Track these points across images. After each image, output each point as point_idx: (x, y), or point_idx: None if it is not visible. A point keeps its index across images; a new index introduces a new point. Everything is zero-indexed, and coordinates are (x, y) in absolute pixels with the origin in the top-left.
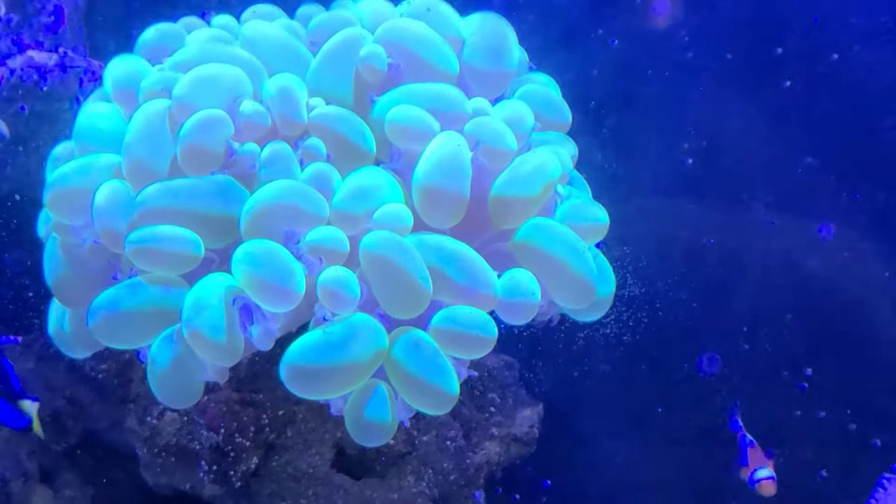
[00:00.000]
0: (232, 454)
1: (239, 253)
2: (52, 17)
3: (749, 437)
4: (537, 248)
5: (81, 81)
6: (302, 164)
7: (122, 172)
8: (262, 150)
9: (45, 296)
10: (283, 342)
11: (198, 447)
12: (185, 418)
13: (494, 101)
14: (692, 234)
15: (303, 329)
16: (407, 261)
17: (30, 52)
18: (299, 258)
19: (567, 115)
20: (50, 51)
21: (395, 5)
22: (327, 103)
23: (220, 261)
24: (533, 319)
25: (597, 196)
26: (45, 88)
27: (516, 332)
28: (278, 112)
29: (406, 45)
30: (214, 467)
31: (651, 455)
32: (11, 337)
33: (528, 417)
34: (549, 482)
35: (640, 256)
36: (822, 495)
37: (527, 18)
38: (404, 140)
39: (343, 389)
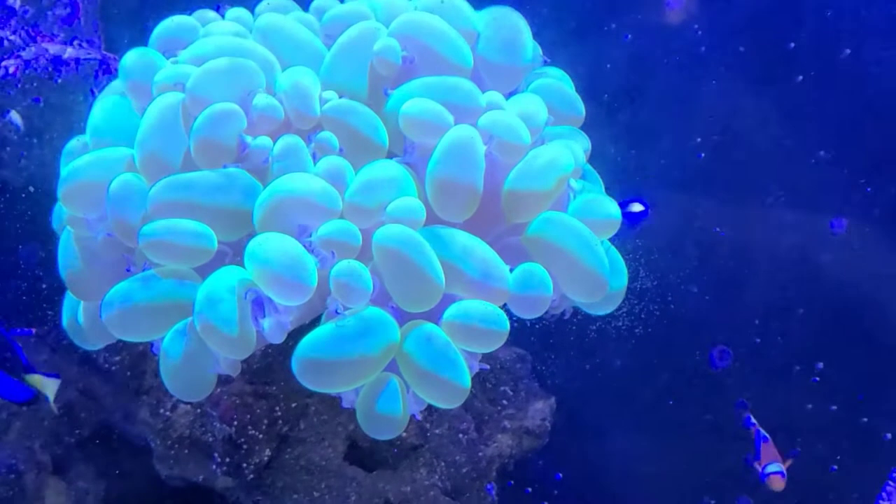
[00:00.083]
0: (245, 446)
1: (251, 246)
2: (68, 10)
3: (763, 432)
4: (549, 242)
5: (96, 74)
6: (315, 157)
7: (136, 166)
8: (274, 143)
9: (58, 288)
10: (296, 335)
11: (211, 439)
12: (199, 410)
13: (508, 95)
14: (704, 227)
15: (316, 322)
16: (420, 255)
17: (45, 45)
18: (312, 252)
19: (580, 109)
20: (65, 43)
21: None
22: (341, 97)
23: (233, 253)
24: (545, 313)
25: (609, 189)
26: (59, 80)
27: (528, 324)
28: (291, 105)
29: (420, 39)
30: (227, 459)
31: (662, 448)
32: (25, 329)
33: (540, 410)
34: (560, 475)
35: (652, 249)
36: (833, 489)
37: (540, 12)
38: (418, 133)
39: (355, 383)
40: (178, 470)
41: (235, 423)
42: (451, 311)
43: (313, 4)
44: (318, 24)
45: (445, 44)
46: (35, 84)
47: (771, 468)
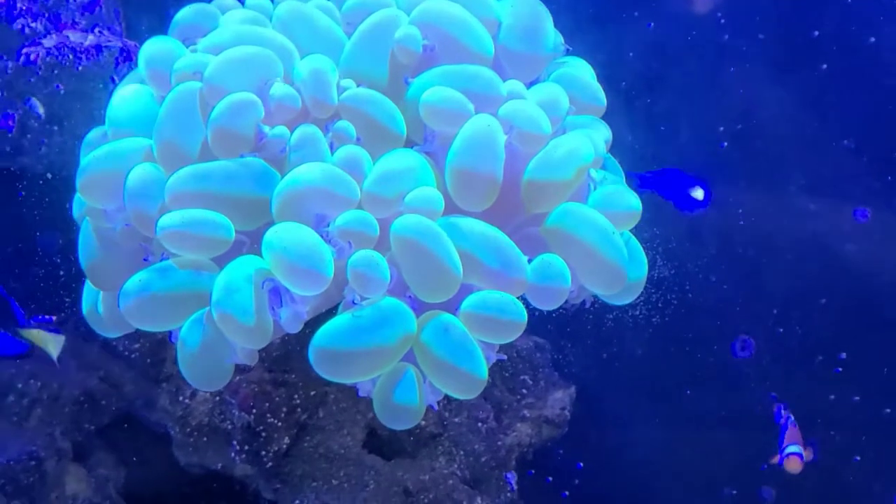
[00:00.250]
0: (263, 434)
1: (268, 236)
2: None
3: (792, 417)
4: (568, 233)
5: (117, 61)
6: (332, 146)
7: (154, 155)
8: (292, 133)
9: (76, 275)
10: (314, 324)
11: (229, 427)
12: (217, 398)
13: (529, 84)
14: (724, 216)
15: (334, 311)
16: (438, 245)
17: (65, 32)
18: (329, 241)
19: (602, 98)
20: (86, 31)
21: None
22: (361, 85)
23: (250, 243)
24: (565, 303)
25: (628, 177)
26: (80, 68)
27: (547, 313)
28: (309, 94)
29: (441, 27)
30: (246, 447)
31: (683, 438)
32: (45, 316)
33: (559, 399)
34: (581, 464)
35: (671, 238)
36: (855, 480)
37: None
38: (439, 122)
39: (371, 373)
40: (198, 457)
41: (254, 411)
42: (468, 302)
43: None
44: (338, 11)
45: (466, 32)
46: (56, 71)
47: (791, 448)
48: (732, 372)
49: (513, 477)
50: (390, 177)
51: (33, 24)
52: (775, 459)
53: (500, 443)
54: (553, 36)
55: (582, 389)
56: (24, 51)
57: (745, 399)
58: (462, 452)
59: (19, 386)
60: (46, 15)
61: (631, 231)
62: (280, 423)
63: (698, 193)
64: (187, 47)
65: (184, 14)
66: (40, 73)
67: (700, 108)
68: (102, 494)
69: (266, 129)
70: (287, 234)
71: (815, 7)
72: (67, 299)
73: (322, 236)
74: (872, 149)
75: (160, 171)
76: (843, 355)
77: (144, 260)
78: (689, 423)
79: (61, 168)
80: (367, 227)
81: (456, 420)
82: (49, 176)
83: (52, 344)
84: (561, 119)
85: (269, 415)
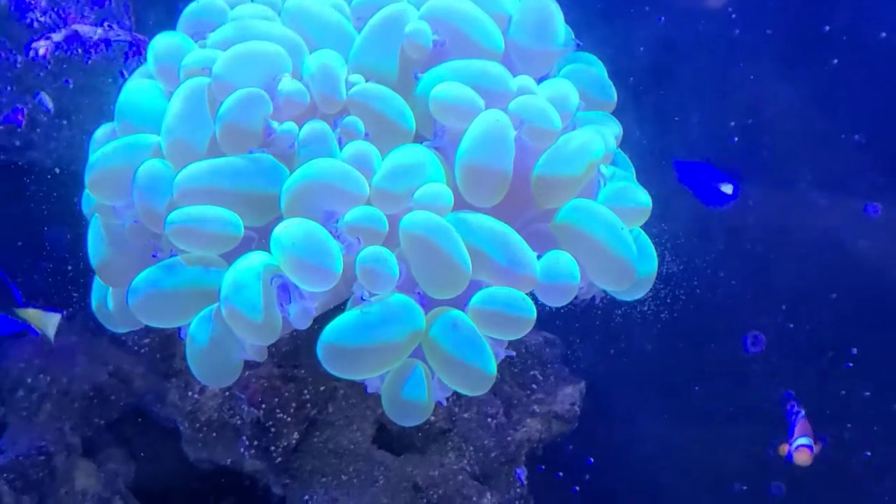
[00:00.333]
0: (273, 430)
1: (277, 232)
2: None
3: (803, 412)
4: (577, 229)
5: (126, 55)
6: (340, 142)
7: (162, 152)
8: (300, 129)
9: (84, 270)
10: (323, 319)
11: (239, 422)
12: (227, 394)
13: (540, 80)
14: (733, 211)
15: (343, 306)
16: (447, 242)
17: (74, 26)
18: (338, 238)
19: (612, 94)
20: (95, 25)
21: None
22: (370, 80)
23: (259, 238)
24: (575, 298)
25: (636, 172)
26: (89, 62)
27: (555, 308)
28: (317, 89)
29: (451, 22)
30: (255, 443)
31: (693, 433)
32: (55, 310)
33: (569, 395)
34: (592, 460)
35: (679, 233)
36: (865, 475)
37: None
38: (449, 117)
39: (380, 369)
40: (207, 453)
41: (264, 406)
42: (477, 298)
43: None
44: (348, 6)
45: (476, 27)
46: (65, 66)
47: (800, 440)
48: (742, 368)
49: (523, 472)
50: (399, 173)
51: (42, 18)
52: (784, 449)
53: (509, 438)
54: (564, 31)
55: (592, 385)
56: (33, 45)
57: (756, 395)
58: (471, 448)
59: (29, 381)
60: (55, 9)
61: (640, 226)
62: (289, 419)
63: (727, 188)
64: (196, 42)
65: (192, 8)
66: (49, 67)
67: (710, 104)
68: (112, 489)
69: (275, 124)
70: (296, 231)
71: (826, 2)
72: (76, 294)
73: (331, 232)
74: (883, 144)
75: (168, 167)
76: (854, 351)
77: (153, 256)
78: (699, 419)
79: (70, 162)
80: (376, 224)
81: (465, 416)
82: (57, 171)
83: (47, 323)
84: (571, 115)
85: (278, 410)
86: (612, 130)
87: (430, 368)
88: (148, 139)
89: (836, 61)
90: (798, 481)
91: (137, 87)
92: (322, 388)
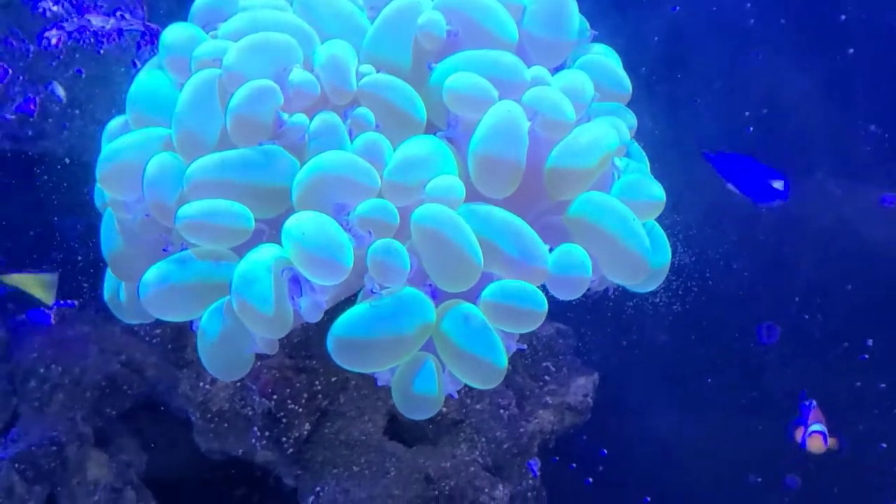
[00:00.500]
0: (284, 420)
1: (288, 225)
2: None
3: (815, 403)
4: (590, 223)
5: (139, 45)
6: (351, 133)
7: (173, 144)
8: (311, 120)
9: (94, 260)
10: (334, 310)
11: (250, 413)
12: (238, 384)
13: (554, 71)
14: (746, 202)
15: (354, 298)
16: (459, 235)
17: (87, 16)
18: (349, 230)
19: (627, 85)
20: (108, 14)
21: None
22: (384, 70)
23: (270, 230)
24: (587, 291)
25: (649, 163)
26: (102, 52)
27: (567, 300)
28: (328, 80)
29: (465, 12)
30: (267, 433)
31: (707, 425)
32: (66, 301)
33: (582, 386)
34: (605, 451)
35: (691, 225)
36: (881, 467)
37: None
38: (462, 107)
39: (390, 362)
40: (218, 443)
41: (275, 396)
42: (488, 291)
43: None
44: None
45: (490, 18)
46: (77, 55)
47: (814, 427)
48: (756, 359)
49: (536, 464)
50: (411, 164)
51: (55, 8)
52: (799, 434)
53: (522, 430)
54: (578, 21)
55: (605, 376)
56: (46, 34)
57: (770, 386)
58: (484, 439)
59: (41, 371)
60: None
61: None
62: (301, 410)
63: (779, 185)
64: (207, 33)
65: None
66: (62, 57)
67: (724, 94)
68: (124, 480)
69: (285, 116)
70: (307, 224)
71: None
72: (86, 284)
73: (342, 225)
74: None
75: (179, 160)
76: (870, 342)
77: (164, 250)
78: (713, 411)
79: (82, 153)
80: (388, 216)
81: (478, 407)
82: (67, 161)
83: (35, 286)
84: (585, 106)
85: (289, 401)
86: (627, 122)
87: (440, 362)
88: (158, 132)
89: (851, 51)
90: (813, 473)
91: (149, 79)
92: (334, 379)
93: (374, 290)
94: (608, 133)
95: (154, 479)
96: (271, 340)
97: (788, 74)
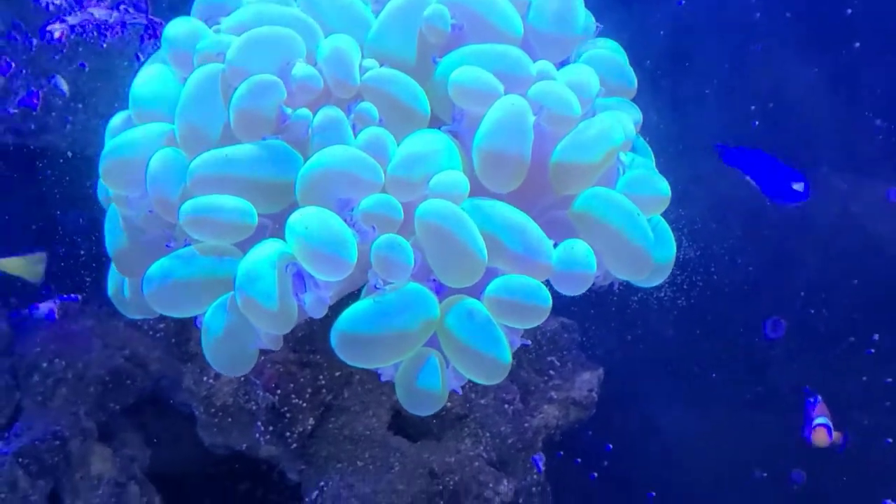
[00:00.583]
0: (288, 415)
1: (291, 221)
2: None
3: (820, 398)
4: (595, 218)
5: (142, 38)
6: (354, 128)
7: (176, 139)
8: (314, 115)
9: (97, 254)
10: (338, 305)
11: (254, 408)
12: (242, 379)
13: (559, 65)
14: (752, 196)
15: (358, 293)
16: (463, 230)
17: (90, 9)
18: (353, 226)
19: (632, 80)
20: (111, 8)
21: None
22: (389, 64)
23: (273, 225)
24: (592, 285)
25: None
26: (105, 45)
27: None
28: (331, 74)
29: (470, 6)
30: (271, 428)
31: (712, 420)
32: (70, 294)
33: (587, 381)
34: (610, 446)
35: (696, 219)
36: (886, 461)
37: None
38: (468, 101)
39: (393, 358)
40: (222, 438)
41: (279, 391)
42: (492, 286)
43: None
44: None
45: (495, 12)
46: (80, 49)
47: (819, 420)
48: (761, 354)
49: (540, 459)
50: (415, 160)
51: (58, 1)
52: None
53: (526, 425)
54: (584, 16)
55: (609, 371)
56: (49, 28)
57: (775, 381)
58: (488, 434)
59: (44, 365)
60: None
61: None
62: (305, 404)
63: (800, 186)
64: (210, 27)
65: None
66: (65, 50)
67: (730, 88)
68: (128, 474)
69: (289, 111)
70: (310, 219)
71: None
72: (88, 278)
73: (346, 220)
74: None
75: (182, 155)
76: (876, 337)
77: (167, 246)
78: (718, 405)
79: (85, 146)
80: (392, 211)
81: (482, 402)
82: (70, 155)
83: (25, 268)
84: (591, 101)
85: (293, 395)
86: (632, 117)
87: (444, 357)
88: (161, 128)
89: (857, 45)
90: (819, 468)
91: (152, 73)
92: (338, 374)
93: (377, 286)
94: (614, 128)
95: (158, 473)
96: (275, 336)
97: (794, 68)
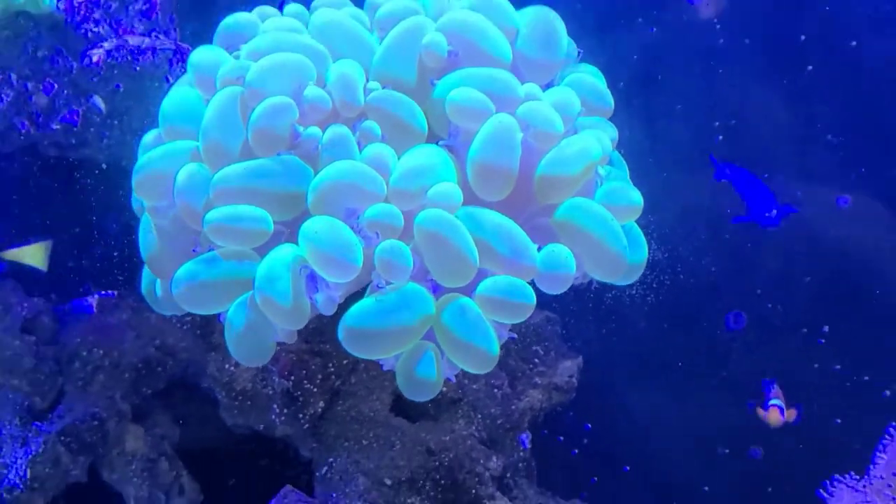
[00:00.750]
0: (301, 399)
1: (304, 229)
2: (146, 5)
3: (775, 382)
4: (575, 225)
5: (171, 63)
6: (359, 144)
7: (200, 155)
8: (324, 132)
9: (130, 255)
10: (345, 303)
11: (270, 392)
12: (260, 366)
13: (545, 87)
14: (716, 203)
15: (364, 291)
16: (457, 236)
17: (125, 36)
18: (359, 233)
19: (610, 101)
20: (143, 35)
21: None
22: (392, 86)
23: (288, 231)
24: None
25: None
26: (137, 68)
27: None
28: (338, 96)
29: (465, 35)
30: (285, 410)
31: (680, 402)
32: (108, 291)
33: (568, 368)
34: (589, 426)
35: (664, 224)
36: (836, 440)
37: (574, 8)
38: (463, 119)
39: (394, 350)
40: (242, 419)
41: (292, 378)
42: (483, 286)
43: (368, 1)
44: (369, 18)
45: (487, 40)
46: (116, 72)
47: (773, 402)
48: (724, 344)
49: (527, 437)
50: (414, 173)
51: (96, 29)
52: (760, 412)
53: (514, 407)
54: (566, 43)
55: (588, 360)
56: (88, 53)
57: (736, 369)
58: (479, 416)
59: (84, 354)
60: (108, 20)
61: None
62: (316, 389)
63: (774, 215)
64: (231, 53)
65: (228, 22)
66: (102, 73)
67: (696, 106)
68: (158, 451)
69: (300, 129)
70: (321, 227)
71: (802, 14)
72: (121, 277)
73: (352, 227)
74: (853, 143)
75: (205, 169)
76: (826, 328)
77: (193, 251)
78: (685, 389)
79: (119, 159)
80: (393, 220)
81: (474, 387)
82: (105, 167)
83: (29, 256)
84: (573, 119)
85: (306, 381)
86: (609, 134)
87: (440, 350)
88: (187, 145)
89: (810, 68)
90: (775, 445)
91: (179, 95)
92: (345, 362)
93: (380, 286)
94: (593, 145)
95: (185, 450)
96: (290, 331)
97: (753, 89)
